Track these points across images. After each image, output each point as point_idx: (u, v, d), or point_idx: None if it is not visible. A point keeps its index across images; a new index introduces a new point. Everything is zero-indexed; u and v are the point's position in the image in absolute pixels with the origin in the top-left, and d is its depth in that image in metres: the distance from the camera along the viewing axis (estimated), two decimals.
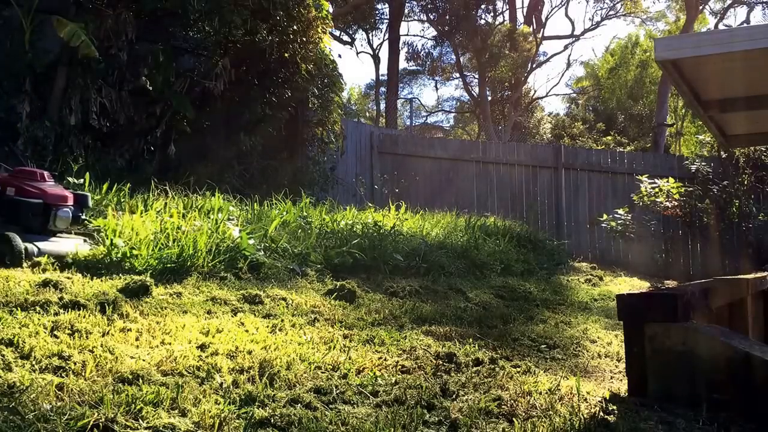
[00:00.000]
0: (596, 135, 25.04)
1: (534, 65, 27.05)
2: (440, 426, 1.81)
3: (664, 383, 2.08)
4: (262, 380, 2.00)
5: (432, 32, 30.42)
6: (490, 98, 25.86)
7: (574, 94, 33.71)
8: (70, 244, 3.56)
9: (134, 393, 1.74)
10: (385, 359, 2.39)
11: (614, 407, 2.01)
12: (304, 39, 8.37)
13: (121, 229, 3.83)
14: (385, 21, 27.30)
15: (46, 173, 4.01)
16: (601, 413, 1.95)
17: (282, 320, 2.85)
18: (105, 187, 4.73)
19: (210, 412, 1.70)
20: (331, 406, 1.88)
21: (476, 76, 27.27)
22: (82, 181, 4.74)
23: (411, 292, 4.28)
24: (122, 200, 4.67)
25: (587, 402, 2.07)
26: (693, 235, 10.09)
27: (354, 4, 21.85)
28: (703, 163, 10.19)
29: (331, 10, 9.37)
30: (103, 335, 2.28)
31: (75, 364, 1.95)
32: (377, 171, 12.04)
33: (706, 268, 9.82)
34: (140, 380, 1.88)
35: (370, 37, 32.96)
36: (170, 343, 2.30)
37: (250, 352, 2.26)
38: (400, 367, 2.32)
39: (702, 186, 9.81)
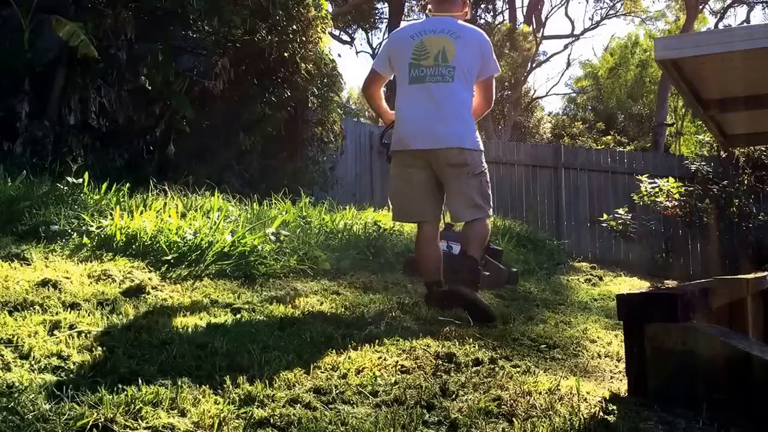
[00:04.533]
0: (596, 135, 25.07)
1: (534, 65, 27.11)
2: (440, 426, 1.81)
3: (664, 383, 2.07)
4: (261, 380, 2.00)
5: None
6: None
7: (574, 94, 33.72)
8: None
9: (133, 393, 1.74)
10: (384, 359, 2.39)
11: (614, 407, 2.01)
12: (304, 38, 8.37)
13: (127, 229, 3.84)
14: (385, 20, 27.31)
15: None
16: (601, 413, 1.95)
17: (281, 320, 2.85)
18: (104, 186, 4.73)
19: (209, 412, 1.70)
20: (330, 405, 1.88)
21: None
22: (81, 180, 4.73)
23: (411, 292, 4.28)
24: (122, 200, 4.66)
25: (587, 402, 2.07)
26: (693, 235, 10.11)
27: (353, 3, 21.87)
28: (703, 163, 10.22)
29: (330, 9, 9.38)
30: (102, 335, 2.27)
31: (74, 363, 1.95)
32: (377, 170, 12.04)
33: (706, 268, 9.85)
34: (139, 380, 1.88)
35: (370, 37, 33.02)
36: (170, 343, 2.29)
37: (249, 352, 2.25)
38: (399, 366, 2.31)
39: (702, 186, 9.84)
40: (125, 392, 1.74)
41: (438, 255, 3.64)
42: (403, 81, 3.54)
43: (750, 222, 9.54)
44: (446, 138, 3.40)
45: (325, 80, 9.25)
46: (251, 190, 7.06)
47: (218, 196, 5.37)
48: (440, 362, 2.44)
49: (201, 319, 2.73)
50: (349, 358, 2.34)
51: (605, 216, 9.71)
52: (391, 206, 3.97)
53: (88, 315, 2.49)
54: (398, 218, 3.89)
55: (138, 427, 1.59)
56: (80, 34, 6.16)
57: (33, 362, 1.93)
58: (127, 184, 4.96)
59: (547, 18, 36.65)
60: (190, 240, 3.89)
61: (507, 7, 27.62)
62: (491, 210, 3.62)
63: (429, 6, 3.74)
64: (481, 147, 3.53)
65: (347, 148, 11.08)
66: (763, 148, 9.87)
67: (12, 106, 6.33)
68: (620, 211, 9.60)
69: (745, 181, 9.90)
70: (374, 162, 12.12)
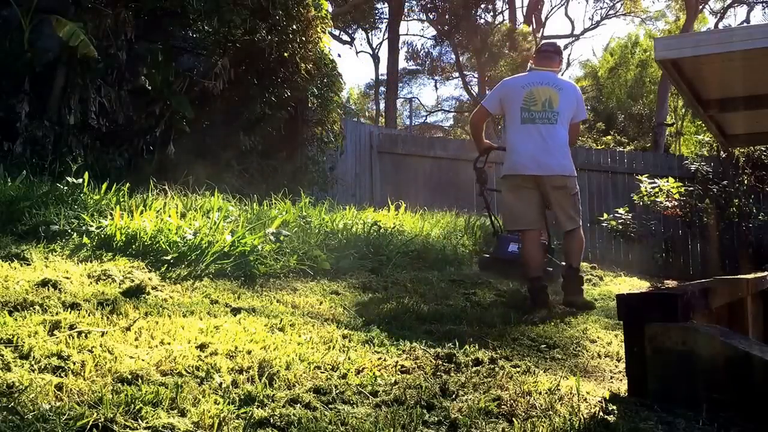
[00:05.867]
0: (596, 135, 25.01)
1: None
2: (440, 426, 1.81)
3: (664, 383, 2.07)
4: (261, 380, 2.00)
5: (431, 32, 30.44)
6: None
7: None
8: None
9: (133, 393, 1.74)
10: (384, 359, 2.39)
11: (614, 407, 2.01)
12: (304, 38, 8.37)
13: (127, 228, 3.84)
14: (385, 20, 27.33)
15: None
16: (601, 413, 1.95)
17: (281, 320, 2.85)
18: (104, 186, 4.73)
19: (209, 412, 1.70)
20: (330, 406, 1.88)
21: (476, 76, 27.29)
22: (81, 180, 4.73)
23: (411, 292, 4.29)
24: (122, 200, 4.66)
25: (587, 402, 2.07)
26: (693, 235, 10.09)
27: (353, 3, 21.85)
28: (702, 163, 10.20)
29: (330, 9, 9.37)
30: (102, 335, 2.27)
31: (74, 363, 1.95)
32: (377, 170, 12.04)
33: (706, 268, 9.82)
34: (139, 380, 1.88)
35: (370, 37, 33.04)
36: (169, 343, 2.29)
37: (249, 352, 2.25)
38: (399, 367, 2.32)
39: (702, 186, 9.82)
40: (125, 392, 1.75)
41: (541, 256, 4.60)
42: (514, 120, 4.42)
43: (750, 222, 9.53)
44: (553, 167, 4.34)
45: (325, 80, 9.25)
46: (251, 189, 7.06)
47: (218, 196, 5.37)
48: (440, 362, 2.44)
49: (201, 319, 2.73)
50: (349, 358, 2.34)
51: (605, 216, 9.70)
52: (502, 218, 4.97)
53: (88, 315, 2.49)
54: (509, 227, 4.67)
55: (138, 427, 1.59)
56: (80, 34, 6.16)
57: (33, 362, 1.93)
58: (127, 184, 4.96)
59: (547, 18, 36.64)
60: (190, 240, 3.89)
61: (507, 7, 27.64)
62: (581, 221, 4.60)
63: (531, 62, 4.76)
64: (575, 173, 4.46)
65: (347, 148, 11.08)
66: (763, 148, 9.86)
67: (12, 106, 6.32)
68: (620, 211, 9.58)
69: (745, 181, 9.90)
70: (374, 162, 12.12)
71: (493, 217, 6.15)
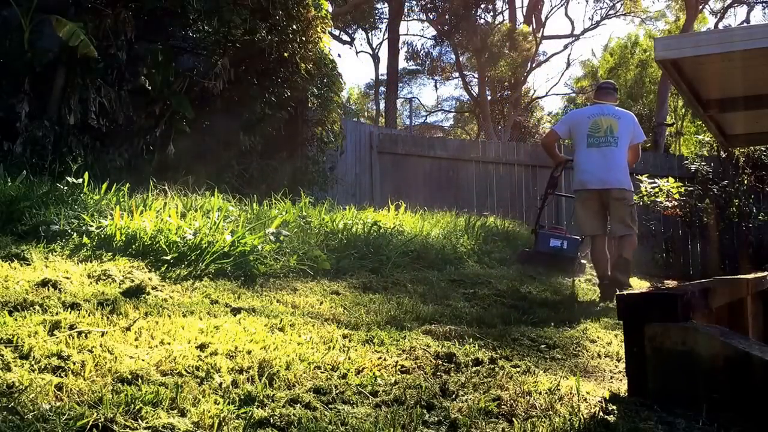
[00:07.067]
0: None
1: (534, 65, 27.06)
2: (440, 426, 1.81)
3: (664, 383, 2.07)
4: (261, 380, 2.00)
5: (431, 32, 30.40)
6: (489, 98, 25.80)
7: (574, 94, 33.69)
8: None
9: (133, 393, 1.74)
10: (384, 359, 2.39)
11: (614, 407, 2.01)
12: (304, 38, 8.37)
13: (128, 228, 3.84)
14: (385, 20, 27.32)
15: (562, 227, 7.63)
16: (601, 413, 1.95)
17: (281, 320, 2.85)
18: (104, 186, 4.73)
19: (209, 412, 1.70)
20: (330, 405, 1.88)
21: (476, 76, 27.27)
22: (81, 180, 4.73)
23: (411, 292, 4.29)
24: (122, 200, 4.66)
25: (587, 402, 2.07)
26: (693, 235, 10.10)
27: (353, 3, 21.85)
28: (703, 163, 10.21)
29: (330, 9, 9.37)
30: (102, 335, 2.27)
31: (74, 363, 1.95)
32: (377, 170, 12.03)
33: (706, 268, 9.83)
34: (139, 380, 1.88)
35: (370, 37, 33.05)
36: (169, 343, 2.29)
37: (249, 352, 2.26)
38: (399, 367, 2.32)
39: (702, 186, 9.82)
40: (125, 392, 1.75)
41: (606, 258, 5.44)
42: (582, 144, 5.41)
43: (750, 222, 9.54)
44: (613, 182, 5.28)
45: (325, 80, 9.25)
46: (251, 189, 7.06)
47: (218, 196, 5.37)
48: (440, 362, 2.44)
49: (201, 319, 2.73)
50: (349, 358, 2.34)
51: None
52: (575, 223, 6.05)
53: (88, 315, 2.49)
54: (580, 232, 5.84)
55: (138, 427, 1.59)
56: (80, 34, 6.16)
57: (33, 362, 1.93)
58: (127, 184, 4.96)
59: (547, 18, 36.63)
60: (190, 240, 3.89)
61: (507, 7, 27.61)
62: (636, 229, 5.45)
63: (593, 97, 5.84)
64: (632, 188, 5.41)
65: (347, 148, 11.08)
66: (763, 148, 9.87)
67: (12, 106, 6.32)
68: None
69: (745, 181, 9.91)
70: (374, 162, 12.11)
71: (538, 216, 7.20)
